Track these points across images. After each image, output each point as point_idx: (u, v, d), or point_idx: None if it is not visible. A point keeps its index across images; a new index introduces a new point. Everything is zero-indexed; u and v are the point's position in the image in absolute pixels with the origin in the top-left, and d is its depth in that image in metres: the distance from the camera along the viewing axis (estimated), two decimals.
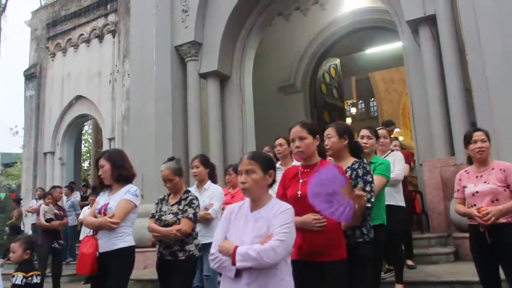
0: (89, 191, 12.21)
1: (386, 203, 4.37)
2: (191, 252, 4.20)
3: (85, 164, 20.95)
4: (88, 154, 20.75)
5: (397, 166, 5.25)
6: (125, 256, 3.90)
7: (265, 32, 10.94)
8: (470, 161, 4.02)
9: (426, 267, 5.95)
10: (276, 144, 5.23)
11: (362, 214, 3.26)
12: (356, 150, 3.63)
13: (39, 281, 4.55)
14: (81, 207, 10.40)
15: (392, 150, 5.59)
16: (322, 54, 13.33)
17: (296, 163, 4.00)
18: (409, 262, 5.95)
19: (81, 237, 7.80)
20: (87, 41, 12.90)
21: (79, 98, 12.81)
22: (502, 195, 3.67)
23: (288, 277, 2.58)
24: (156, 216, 4.35)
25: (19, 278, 4.42)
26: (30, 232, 11.96)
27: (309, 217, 2.99)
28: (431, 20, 7.49)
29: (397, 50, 12.93)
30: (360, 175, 3.36)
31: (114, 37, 12.30)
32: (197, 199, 4.39)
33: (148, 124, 9.48)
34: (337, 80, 14.00)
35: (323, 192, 2.82)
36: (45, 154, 13.37)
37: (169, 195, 4.48)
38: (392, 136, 6.97)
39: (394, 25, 8.84)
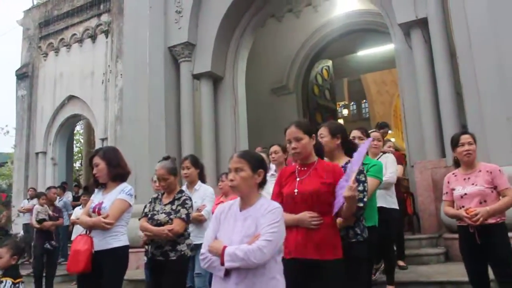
0: (80, 191, 12.18)
1: (378, 205, 4.42)
2: (182, 252, 4.16)
3: (77, 164, 20.86)
4: (80, 154, 20.68)
5: (390, 168, 5.25)
6: (120, 255, 3.87)
7: (258, 34, 10.98)
8: (456, 163, 4.10)
9: (417, 268, 6.01)
10: (271, 152, 5.26)
11: (354, 214, 3.24)
12: (350, 149, 3.61)
13: None
14: (73, 207, 10.38)
15: (384, 152, 5.61)
16: (315, 55, 13.40)
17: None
18: (401, 263, 6.00)
19: (72, 237, 7.81)
20: (80, 41, 12.86)
21: (71, 98, 12.76)
22: (490, 196, 3.76)
23: (278, 275, 2.59)
24: (149, 215, 4.31)
25: (8, 284, 4.39)
26: (21, 233, 11.94)
27: (305, 214, 2.99)
28: (423, 23, 7.57)
29: (389, 52, 13.01)
30: None
31: (107, 37, 12.27)
32: (190, 199, 4.35)
33: (141, 124, 9.49)
34: (330, 82, 14.08)
35: (357, 159, 2.91)
36: (37, 154, 13.31)
37: (162, 194, 4.44)
38: (385, 138, 7.02)
39: (386, 27, 8.91)
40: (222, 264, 2.47)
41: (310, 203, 3.03)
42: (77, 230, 7.06)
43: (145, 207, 5.39)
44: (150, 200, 4.50)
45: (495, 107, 6.29)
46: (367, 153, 4.64)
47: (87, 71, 12.45)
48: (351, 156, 3.52)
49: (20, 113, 13.84)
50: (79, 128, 18.60)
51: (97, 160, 4.01)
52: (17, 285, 4.27)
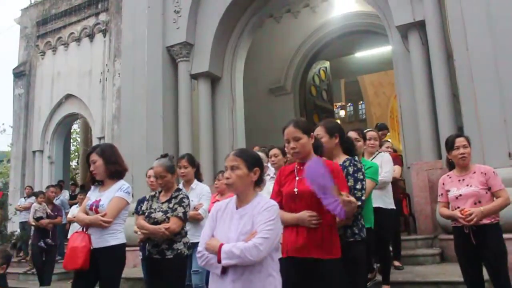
0: (77, 190, 12.19)
1: (375, 205, 4.45)
2: (179, 251, 4.14)
3: (73, 163, 20.84)
4: (77, 153, 20.66)
5: (385, 168, 5.25)
6: (118, 253, 3.85)
7: (256, 34, 11.01)
8: (450, 165, 4.16)
9: (413, 268, 6.04)
10: (271, 155, 5.24)
11: (353, 213, 3.20)
12: (348, 147, 3.60)
13: None
14: (70, 206, 10.40)
15: (380, 152, 5.60)
16: (312, 56, 13.46)
17: None
18: (396, 263, 6.03)
19: (69, 236, 7.85)
20: (78, 40, 12.85)
21: (69, 96, 12.74)
22: (484, 197, 3.81)
23: (274, 272, 2.60)
24: (146, 213, 4.29)
25: None
26: (18, 231, 11.97)
27: (304, 213, 2.98)
28: (420, 26, 7.62)
29: (386, 54, 13.09)
30: (351, 172, 3.35)
31: (104, 36, 12.26)
32: (188, 197, 4.34)
33: (139, 123, 9.51)
34: (327, 83, 14.14)
35: (316, 182, 2.82)
36: (34, 152, 13.29)
37: (160, 192, 4.42)
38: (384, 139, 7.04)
39: (384, 29, 8.95)
40: (219, 261, 2.49)
41: (310, 202, 3.01)
42: (74, 228, 7.09)
43: (137, 204, 5.42)
44: (148, 197, 4.49)
45: (492, 110, 6.34)
46: (362, 154, 4.68)
47: (84, 70, 12.45)
48: (349, 154, 3.53)
49: (17, 112, 13.82)
50: (76, 127, 18.58)
51: (94, 157, 3.97)
52: None
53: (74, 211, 8.43)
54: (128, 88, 10.03)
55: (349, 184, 3.28)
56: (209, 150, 9.59)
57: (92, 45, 12.53)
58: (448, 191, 4.00)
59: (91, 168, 4.00)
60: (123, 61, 10.52)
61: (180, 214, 4.15)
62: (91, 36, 12.56)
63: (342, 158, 3.49)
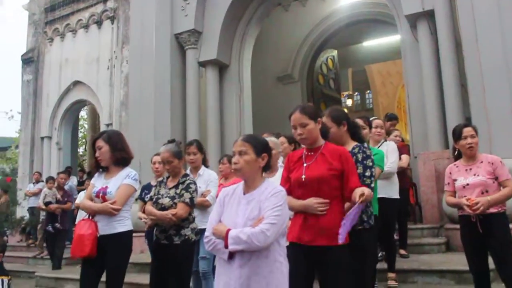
0: (85, 176, 12.28)
1: (379, 196, 4.44)
2: (186, 237, 4.14)
3: (81, 150, 20.95)
4: (84, 140, 20.76)
5: (390, 158, 5.23)
6: (125, 240, 3.84)
7: (264, 22, 10.99)
8: (456, 155, 4.16)
9: (418, 257, 6.09)
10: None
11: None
12: (355, 133, 3.58)
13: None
14: (78, 192, 10.51)
15: (385, 140, 5.60)
16: (320, 45, 13.43)
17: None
18: (402, 252, 6.08)
19: (77, 221, 8.02)
20: (86, 26, 12.85)
21: (76, 83, 12.78)
22: (491, 187, 3.83)
23: (281, 258, 2.60)
24: (154, 199, 4.29)
25: (5, 283, 4.48)
26: (27, 216, 12.14)
27: (311, 200, 2.97)
28: (429, 15, 7.59)
29: (394, 43, 13.04)
30: (360, 159, 3.32)
31: (112, 23, 12.26)
32: (195, 183, 4.32)
33: (147, 110, 9.56)
34: (334, 72, 14.13)
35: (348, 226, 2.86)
36: (42, 138, 13.37)
37: (167, 178, 4.40)
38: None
39: (392, 18, 8.93)
40: (226, 247, 2.49)
41: (317, 189, 3.00)
42: (82, 214, 7.21)
43: (141, 191, 5.45)
44: (156, 183, 4.50)
45: (500, 100, 6.33)
46: (368, 142, 4.66)
47: (92, 56, 12.47)
48: (357, 139, 3.51)
49: (26, 98, 13.88)
50: (83, 113, 18.65)
51: (100, 143, 3.93)
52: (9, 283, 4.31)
53: (82, 196, 8.58)
54: (136, 75, 10.06)
55: (358, 171, 3.24)
56: (217, 137, 9.63)
57: (100, 32, 12.53)
58: (455, 180, 4.01)
59: (97, 154, 3.95)
60: (131, 48, 10.54)
61: (187, 200, 4.14)
62: (99, 23, 12.56)
63: (351, 145, 3.46)
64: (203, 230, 2.82)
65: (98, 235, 3.69)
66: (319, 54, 13.45)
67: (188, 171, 5.12)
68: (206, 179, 5.10)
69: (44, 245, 10.14)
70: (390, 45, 14.43)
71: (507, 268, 3.74)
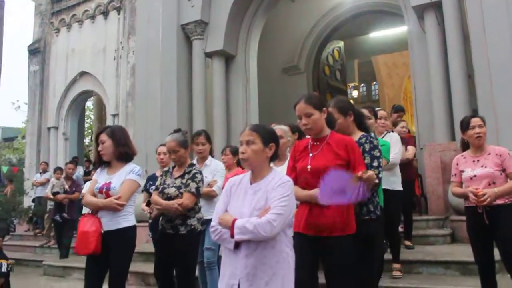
0: (91, 166, 12.36)
1: (382, 187, 4.44)
2: (192, 227, 4.15)
3: (87, 140, 21.04)
4: (90, 130, 20.85)
5: (393, 149, 5.16)
6: (129, 235, 3.81)
7: (271, 13, 10.96)
8: (464, 146, 4.16)
9: (423, 248, 6.10)
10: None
11: (370, 189, 3.18)
12: (361, 123, 3.57)
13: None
14: (84, 182, 10.58)
15: (388, 131, 5.56)
16: (327, 36, 13.38)
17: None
18: (407, 243, 6.10)
19: (84, 211, 8.14)
20: (92, 17, 12.86)
21: (83, 74, 12.82)
22: (499, 178, 3.83)
23: (287, 248, 2.59)
24: (160, 189, 4.29)
25: (4, 266, 4.50)
26: (32, 205, 12.27)
27: (316, 191, 2.95)
28: (437, 6, 7.54)
29: (401, 35, 12.99)
30: (367, 150, 3.31)
31: (119, 14, 12.26)
32: (201, 173, 4.32)
33: (153, 101, 9.58)
34: (340, 63, 14.09)
35: (334, 192, 2.81)
36: (48, 129, 13.44)
37: (173, 167, 4.40)
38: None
39: (399, 9, 8.88)
40: (232, 236, 2.49)
41: None
42: None
43: (146, 181, 5.47)
44: (162, 173, 4.49)
45: (507, 92, 6.32)
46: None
47: (99, 47, 12.49)
48: (363, 129, 3.51)
49: (32, 88, 13.94)
50: (89, 104, 18.72)
51: (103, 137, 3.89)
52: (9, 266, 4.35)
53: (88, 187, 8.75)
54: (142, 66, 10.08)
55: (366, 161, 3.25)
56: (223, 128, 9.65)
57: (107, 23, 12.54)
58: (462, 171, 4.01)
59: (99, 148, 3.92)
60: (138, 38, 10.55)
61: (193, 190, 4.14)
62: (105, 14, 12.57)
63: (358, 135, 3.45)
64: (209, 220, 2.80)
65: (102, 232, 3.66)
66: (325, 45, 13.41)
67: (194, 161, 5.12)
68: (213, 169, 5.09)
69: (52, 234, 10.26)
70: (396, 36, 14.37)
71: None
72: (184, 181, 4.21)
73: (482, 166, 3.90)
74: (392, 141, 5.26)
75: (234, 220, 2.50)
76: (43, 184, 11.43)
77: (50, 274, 7.85)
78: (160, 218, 4.30)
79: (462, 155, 4.12)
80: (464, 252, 5.37)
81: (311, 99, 3.13)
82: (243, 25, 10.18)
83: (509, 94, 6.29)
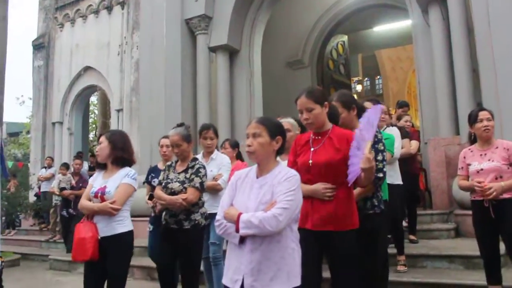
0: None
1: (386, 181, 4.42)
2: (196, 222, 4.13)
3: (91, 135, 21.10)
4: (94, 125, 20.90)
5: (394, 143, 5.09)
6: (126, 241, 3.73)
7: (275, 7, 10.94)
8: (471, 139, 4.15)
9: (428, 242, 6.12)
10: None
11: (374, 184, 3.20)
12: (361, 115, 3.44)
13: None
14: (89, 177, 10.64)
15: (387, 126, 5.53)
16: (331, 30, 13.35)
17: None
18: (412, 237, 6.12)
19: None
20: (96, 12, 12.88)
21: (87, 69, 12.86)
22: (506, 172, 3.81)
23: (293, 243, 2.53)
24: (163, 184, 4.25)
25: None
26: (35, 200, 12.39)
27: (319, 186, 2.94)
28: (441, 0, 7.52)
29: (405, 29, 12.97)
30: (372, 143, 3.23)
31: (123, 8, 12.28)
32: (204, 167, 4.28)
33: (158, 96, 9.59)
34: (344, 57, 14.08)
35: (364, 128, 2.82)
36: (53, 124, 13.51)
37: (176, 162, 4.36)
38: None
39: (403, 3, 8.86)
40: (237, 231, 2.44)
41: (324, 174, 2.98)
42: None
43: (148, 174, 5.43)
44: (164, 167, 4.46)
45: (511, 85, 6.29)
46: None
47: (103, 42, 12.52)
48: None
49: (37, 84, 13.99)
50: (93, 99, 18.77)
51: (102, 139, 3.87)
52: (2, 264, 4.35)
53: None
54: (146, 61, 10.09)
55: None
56: (227, 122, 9.67)
57: (110, 17, 12.56)
58: (469, 165, 3.99)
59: (96, 149, 3.90)
60: (142, 33, 10.55)
61: (197, 185, 4.12)
62: (109, 8, 12.59)
63: None
64: (214, 215, 2.74)
65: (99, 237, 3.60)
66: (329, 40, 13.39)
67: (200, 155, 5.13)
68: (219, 163, 5.05)
69: (57, 229, 10.34)
70: (400, 30, 14.34)
71: None
72: (187, 175, 4.19)
73: (489, 160, 3.88)
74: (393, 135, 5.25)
75: (239, 214, 2.45)
76: (48, 179, 11.49)
77: (56, 268, 7.91)
78: (164, 213, 4.26)
79: (469, 149, 4.11)
80: (469, 246, 5.39)
81: (312, 94, 3.09)
82: (247, 20, 10.17)
83: None
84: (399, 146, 5.41)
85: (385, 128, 5.40)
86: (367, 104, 4.26)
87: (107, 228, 3.62)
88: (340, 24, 13.36)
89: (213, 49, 9.92)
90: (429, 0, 7.65)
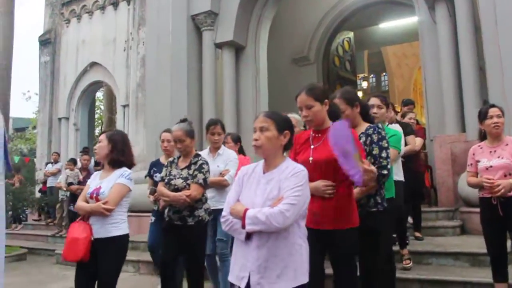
0: None
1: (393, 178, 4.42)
2: (200, 217, 4.14)
3: (97, 131, 21.17)
4: (100, 121, 20.96)
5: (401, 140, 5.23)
6: (120, 244, 3.69)
7: (281, 4, 10.92)
8: (481, 136, 4.14)
9: (433, 239, 6.13)
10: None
11: (377, 181, 3.18)
12: (367, 114, 3.53)
13: None
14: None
15: (391, 123, 5.46)
16: (337, 27, 13.31)
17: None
18: (417, 234, 6.13)
19: None
20: (102, 8, 12.92)
21: (93, 64, 12.91)
22: None
23: (301, 240, 2.49)
24: (166, 180, 4.23)
25: None
26: (39, 195, 12.48)
27: (319, 183, 2.93)
28: None
29: (411, 25, 12.93)
30: (375, 140, 3.28)
31: (129, 4, 12.31)
32: (207, 163, 4.26)
33: (164, 92, 9.60)
34: (350, 54, 14.04)
35: (339, 144, 2.72)
36: (59, 119, 13.58)
37: (178, 158, 4.34)
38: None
39: (410, 0, 8.83)
40: (243, 227, 2.39)
41: (325, 171, 2.97)
42: None
43: (150, 168, 5.39)
44: (166, 164, 4.42)
45: None
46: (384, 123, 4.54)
47: (109, 38, 12.55)
48: (368, 120, 3.47)
49: (43, 79, 14.06)
50: (99, 94, 18.82)
51: (102, 137, 3.85)
52: None
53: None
54: (152, 57, 10.10)
55: (374, 152, 3.24)
56: (233, 119, 9.66)
57: (117, 13, 12.59)
58: (478, 161, 3.99)
59: (95, 147, 3.87)
60: (148, 29, 10.57)
61: (201, 181, 4.10)
62: (115, 4, 12.61)
63: (364, 126, 3.41)
64: (221, 211, 2.69)
65: (92, 239, 3.56)
66: (335, 36, 13.36)
67: (207, 150, 5.11)
68: (226, 159, 5.00)
69: (63, 224, 10.41)
70: (406, 27, 14.30)
71: None
72: (190, 172, 4.17)
73: (498, 157, 3.87)
74: None
75: (246, 210, 2.40)
76: (55, 174, 11.57)
77: (63, 263, 7.96)
78: (167, 210, 4.25)
79: (479, 145, 4.10)
80: (474, 244, 5.40)
81: (312, 91, 3.07)
82: (253, 16, 10.15)
83: None
84: (403, 143, 5.40)
85: (388, 125, 5.38)
86: (373, 100, 4.27)
87: (102, 230, 3.59)
88: (346, 21, 13.32)
89: (219, 46, 9.92)
90: None
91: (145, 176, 5.50)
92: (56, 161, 12.00)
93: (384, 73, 26.04)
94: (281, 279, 2.41)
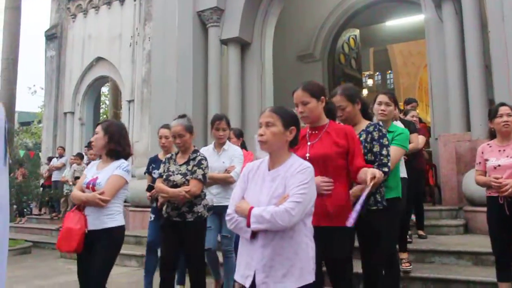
0: None
1: (400, 176, 4.40)
2: (199, 213, 4.11)
3: None
4: (106, 116, 21.02)
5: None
6: (115, 236, 3.64)
7: (287, 0, 10.91)
8: (490, 135, 4.11)
9: (436, 238, 6.13)
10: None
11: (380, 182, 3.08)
12: (366, 111, 3.49)
13: None
14: None
15: (394, 120, 5.49)
16: (342, 24, 13.29)
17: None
18: (420, 232, 6.13)
19: None
20: (108, 3, 12.93)
21: (99, 59, 12.95)
22: None
23: (307, 238, 2.44)
24: (164, 176, 4.19)
25: None
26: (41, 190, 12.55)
27: (317, 179, 2.82)
28: None
29: (417, 23, 12.89)
30: (376, 138, 3.24)
31: (135, 0, 12.33)
32: (206, 159, 4.24)
33: (169, 88, 9.62)
34: (356, 51, 14.01)
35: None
36: (65, 114, 13.64)
37: (176, 154, 4.30)
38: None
39: None
40: (248, 225, 2.35)
41: (322, 168, 2.92)
42: None
43: (148, 164, 5.30)
44: (164, 160, 4.37)
45: None
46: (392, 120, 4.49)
47: (115, 33, 12.58)
48: (367, 117, 3.44)
49: (49, 74, 14.11)
50: (105, 89, 18.87)
51: (98, 129, 3.80)
52: None
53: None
54: (158, 52, 10.12)
55: (375, 149, 3.22)
56: (238, 115, 9.66)
57: (123, 9, 12.61)
58: (486, 160, 3.97)
59: (92, 139, 3.85)
60: (154, 25, 10.58)
61: (200, 177, 4.08)
62: (121, 0, 12.63)
63: (364, 123, 3.38)
64: (226, 207, 2.65)
65: (86, 231, 3.51)
66: (341, 33, 13.33)
67: (211, 146, 5.08)
68: (231, 155, 4.96)
69: None
70: (412, 25, 14.25)
71: None
72: (189, 167, 4.14)
73: (507, 156, 3.85)
74: None
75: (251, 208, 2.36)
76: (60, 168, 11.62)
77: (67, 256, 7.98)
78: (165, 206, 4.21)
79: (488, 144, 4.08)
80: (477, 243, 5.40)
81: (308, 87, 3.04)
82: (259, 12, 10.14)
83: None
84: None
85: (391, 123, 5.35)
86: (381, 97, 4.17)
87: (97, 221, 3.55)
88: (352, 18, 13.29)
89: (224, 42, 9.91)
90: None
91: (144, 173, 5.49)
92: (61, 156, 12.05)
93: (389, 71, 25.95)
94: (287, 278, 2.38)
